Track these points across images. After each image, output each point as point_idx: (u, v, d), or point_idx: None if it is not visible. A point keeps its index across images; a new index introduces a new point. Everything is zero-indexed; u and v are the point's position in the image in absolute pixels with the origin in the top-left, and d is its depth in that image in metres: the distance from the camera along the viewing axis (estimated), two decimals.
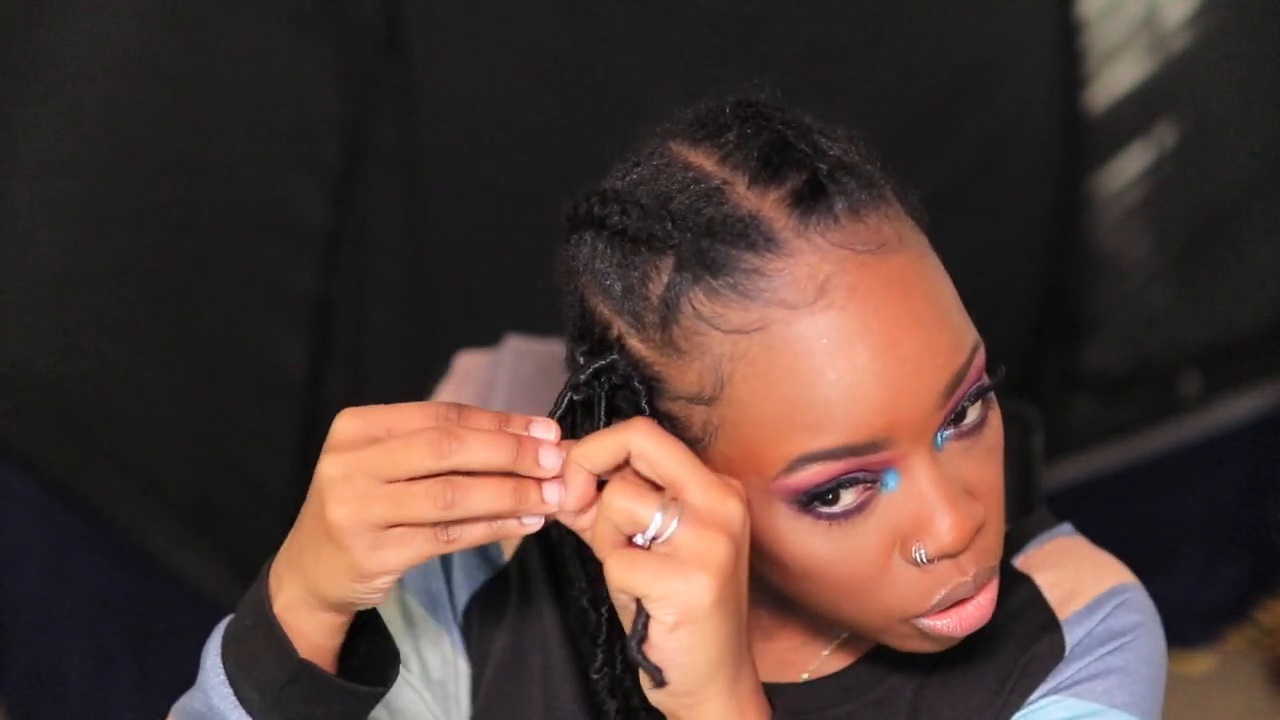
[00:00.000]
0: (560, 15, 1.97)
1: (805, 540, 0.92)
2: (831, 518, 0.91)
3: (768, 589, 1.00)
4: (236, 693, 0.95)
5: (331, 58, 1.91)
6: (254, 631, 0.95)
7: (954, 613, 0.93)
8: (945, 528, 0.91)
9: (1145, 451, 2.46)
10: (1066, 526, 1.07)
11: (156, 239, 1.98)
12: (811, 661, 1.04)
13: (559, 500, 0.89)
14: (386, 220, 1.96)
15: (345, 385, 1.96)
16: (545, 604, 1.08)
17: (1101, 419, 2.43)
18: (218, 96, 1.93)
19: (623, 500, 0.88)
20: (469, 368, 1.50)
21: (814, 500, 0.91)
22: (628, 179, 0.94)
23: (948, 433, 0.92)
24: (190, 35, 1.92)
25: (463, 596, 1.08)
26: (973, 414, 0.93)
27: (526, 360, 1.47)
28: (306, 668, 0.94)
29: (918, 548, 0.91)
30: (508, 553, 1.10)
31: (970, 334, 0.93)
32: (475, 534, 0.90)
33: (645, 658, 0.88)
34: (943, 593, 0.93)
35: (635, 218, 0.92)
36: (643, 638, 0.88)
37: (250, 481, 2.02)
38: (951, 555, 0.92)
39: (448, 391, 1.48)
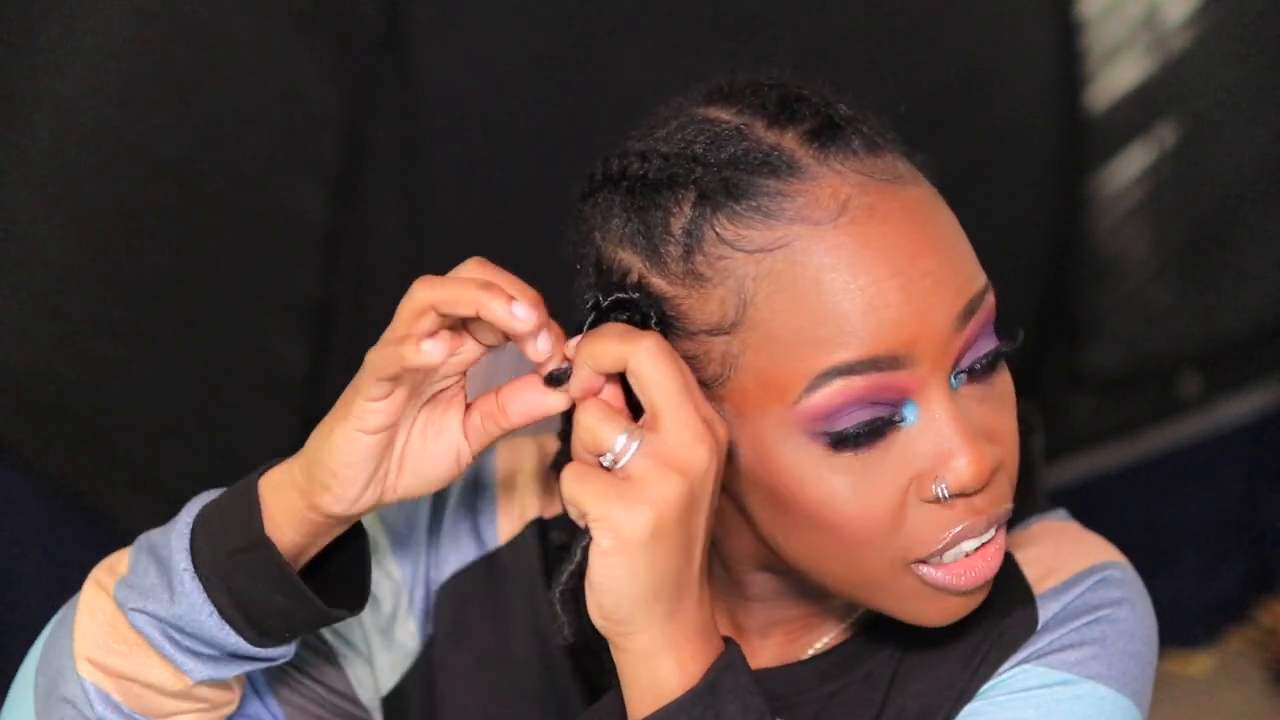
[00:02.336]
0: (560, 15, 1.97)
1: (826, 478, 0.92)
2: (855, 447, 0.91)
3: (772, 578, 1.01)
4: (192, 540, 0.96)
5: (331, 58, 1.91)
6: (234, 494, 0.96)
7: (962, 565, 0.94)
8: (964, 463, 0.92)
9: (1145, 451, 2.46)
10: (1059, 511, 1.07)
11: (156, 239, 1.98)
12: (808, 650, 1.04)
13: (525, 316, 0.90)
14: (386, 220, 1.96)
15: (345, 385, 1.96)
16: (537, 595, 1.08)
17: (1101, 419, 2.43)
18: (218, 97, 1.93)
19: (590, 419, 0.89)
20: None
21: (834, 438, 0.91)
22: (646, 139, 0.96)
23: (962, 376, 0.93)
24: (190, 35, 1.92)
25: (445, 571, 1.09)
26: (985, 361, 0.94)
27: (527, 360, 1.48)
28: (265, 542, 0.95)
29: (938, 483, 0.92)
30: (502, 537, 1.10)
31: (982, 275, 0.95)
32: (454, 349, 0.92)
33: (561, 600, 0.91)
34: (956, 529, 0.93)
35: (656, 163, 0.94)
36: (581, 560, 0.89)
37: None
38: (969, 493, 0.92)
39: None
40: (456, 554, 1.09)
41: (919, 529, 0.93)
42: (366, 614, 1.08)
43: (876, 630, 1.03)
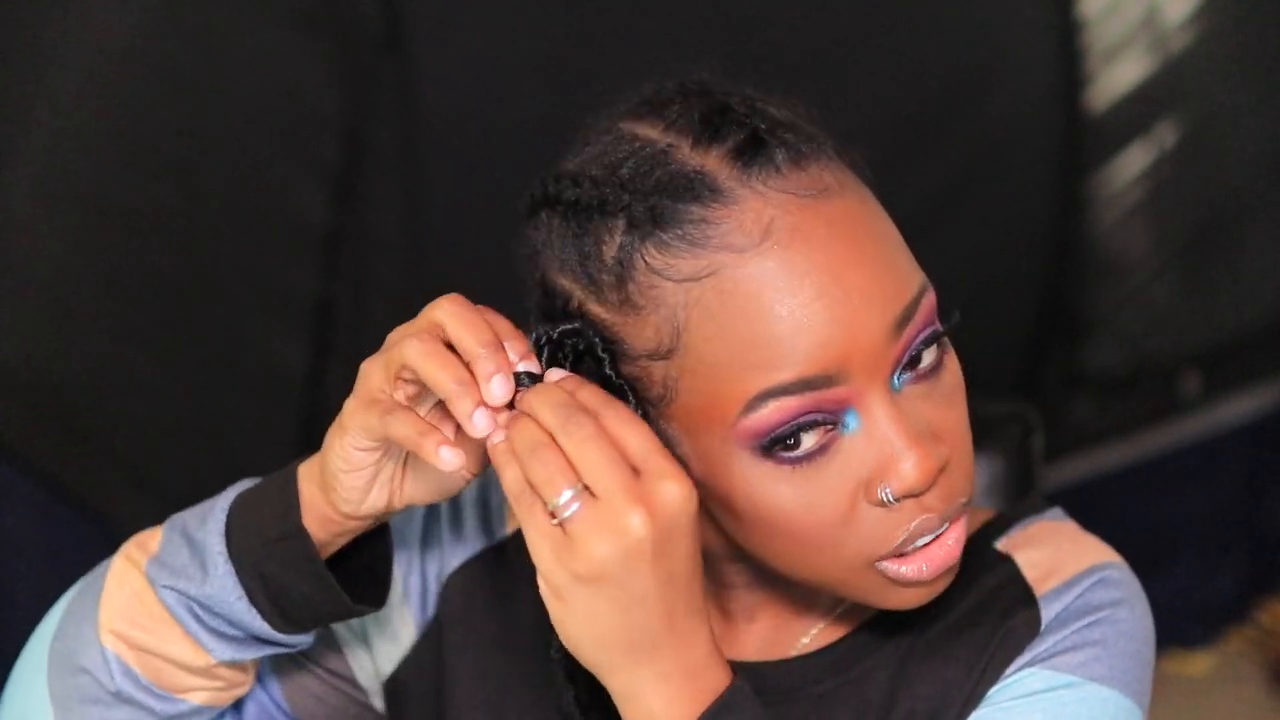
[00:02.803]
0: (560, 15, 1.97)
1: (771, 489, 0.93)
2: (794, 462, 0.92)
3: (746, 568, 1.02)
4: (228, 525, 0.99)
5: (331, 58, 1.91)
6: (273, 483, 0.99)
7: (919, 556, 0.95)
8: (909, 465, 0.92)
9: (1145, 451, 2.47)
10: (1055, 510, 1.07)
11: (156, 239, 1.98)
12: (797, 641, 1.05)
13: (484, 427, 0.91)
14: (386, 220, 1.96)
15: (345, 385, 1.96)
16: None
17: (1101, 419, 2.43)
18: (217, 96, 1.93)
19: (543, 469, 0.90)
20: None
21: (775, 445, 0.92)
22: (579, 158, 0.97)
23: (905, 376, 0.94)
24: (190, 35, 1.92)
25: (453, 561, 1.10)
26: (928, 357, 0.95)
27: None
28: (300, 533, 0.97)
29: (883, 488, 0.93)
30: (510, 526, 1.11)
31: (917, 275, 0.95)
32: (406, 423, 0.93)
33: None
34: (909, 528, 0.94)
35: (587, 188, 0.95)
36: None
37: None
38: (916, 494, 0.93)
39: None
40: (466, 545, 1.11)
41: (872, 531, 0.94)
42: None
43: (874, 629, 1.03)
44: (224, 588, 0.98)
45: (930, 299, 0.94)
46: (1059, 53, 2.22)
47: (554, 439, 0.91)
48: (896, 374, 0.93)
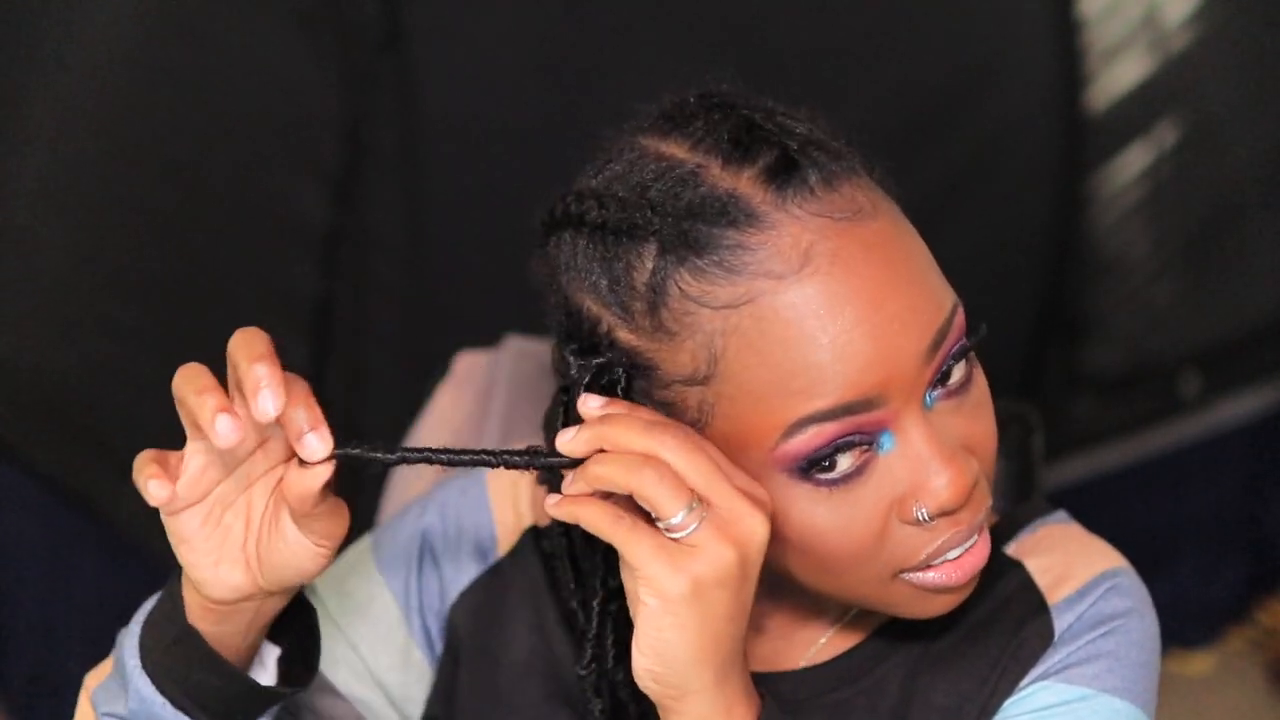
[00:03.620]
0: (560, 15, 1.97)
1: (807, 510, 0.93)
2: (831, 484, 0.92)
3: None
4: (141, 642, 0.97)
5: (331, 58, 1.91)
6: (167, 589, 0.98)
7: (948, 565, 0.95)
8: (943, 484, 0.92)
9: (1145, 451, 2.46)
10: (1060, 513, 1.07)
11: (156, 239, 1.98)
12: (806, 650, 1.05)
13: (227, 434, 0.91)
14: (386, 220, 1.96)
15: (345, 386, 1.96)
16: (541, 601, 1.08)
17: (1101, 419, 2.42)
18: (218, 96, 1.93)
19: (656, 488, 0.88)
20: (469, 368, 1.50)
21: (812, 467, 0.92)
22: (601, 176, 0.95)
23: (936, 392, 0.93)
24: (190, 35, 1.92)
25: (453, 591, 1.10)
26: (958, 373, 0.95)
27: (527, 360, 1.48)
28: (189, 632, 0.95)
29: (918, 507, 0.93)
30: (503, 548, 1.11)
31: (949, 295, 0.94)
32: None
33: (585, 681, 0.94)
34: (938, 542, 0.94)
35: (614, 210, 0.93)
36: (599, 631, 0.93)
37: None
38: (950, 512, 0.93)
39: (448, 392, 1.48)
40: (464, 573, 1.10)
41: (902, 546, 0.94)
42: (377, 657, 1.09)
43: (885, 636, 1.03)
44: (145, 700, 0.96)
45: (960, 317, 0.94)
46: (1059, 53, 2.22)
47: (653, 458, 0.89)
48: (929, 392, 0.93)
